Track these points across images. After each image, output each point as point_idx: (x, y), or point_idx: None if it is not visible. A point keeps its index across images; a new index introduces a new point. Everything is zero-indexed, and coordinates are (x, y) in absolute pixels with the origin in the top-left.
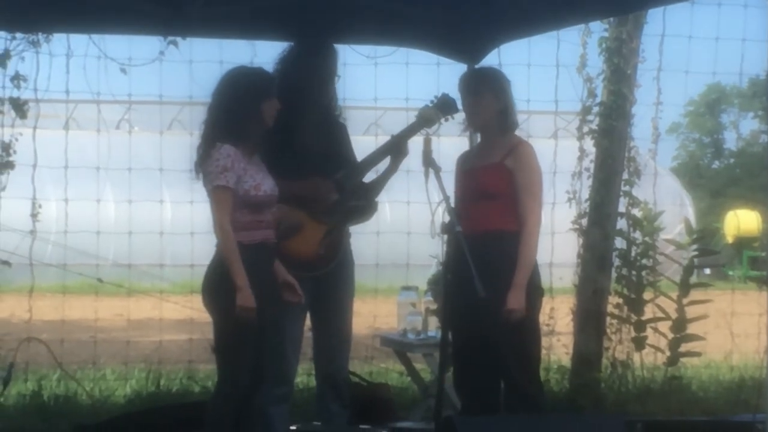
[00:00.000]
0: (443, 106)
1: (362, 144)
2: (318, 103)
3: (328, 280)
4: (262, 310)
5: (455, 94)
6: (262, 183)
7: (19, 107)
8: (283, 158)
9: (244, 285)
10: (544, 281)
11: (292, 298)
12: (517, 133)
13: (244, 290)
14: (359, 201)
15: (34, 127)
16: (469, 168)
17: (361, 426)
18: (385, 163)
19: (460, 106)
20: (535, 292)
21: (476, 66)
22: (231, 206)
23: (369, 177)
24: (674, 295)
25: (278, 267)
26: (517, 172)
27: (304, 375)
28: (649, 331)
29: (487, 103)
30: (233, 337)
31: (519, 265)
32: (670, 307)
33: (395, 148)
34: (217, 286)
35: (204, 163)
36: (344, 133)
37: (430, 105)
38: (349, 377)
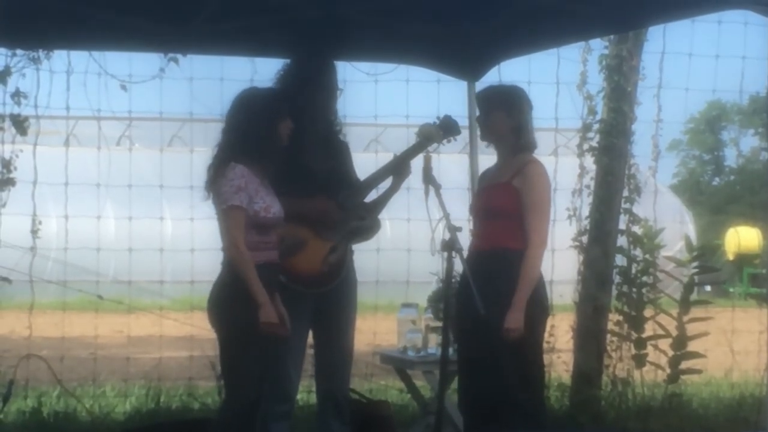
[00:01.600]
0: (445, 128)
1: (362, 161)
2: (320, 120)
3: (331, 298)
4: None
5: (458, 111)
6: (271, 205)
7: (20, 124)
8: (286, 176)
9: (266, 301)
10: None
11: (279, 330)
12: None
13: (267, 306)
14: (363, 220)
15: (35, 144)
16: (483, 186)
17: None
18: (387, 182)
19: (464, 124)
20: (539, 310)
21: (498, 84)
22: (244, 227)
23: (371, 196)
24: (674, 312)
25: (275, 297)
26: (524, 191)
27: (305, 392)
28: (649, 349)
29: (498, 120)
30: (243, 354)
31: (519, 284)
32: (671, 325)
33: (398, 169)
34: (228, 304)
35: (216, 183)
36: (346, 151)
37: (432, 124)
38: (349, 395)
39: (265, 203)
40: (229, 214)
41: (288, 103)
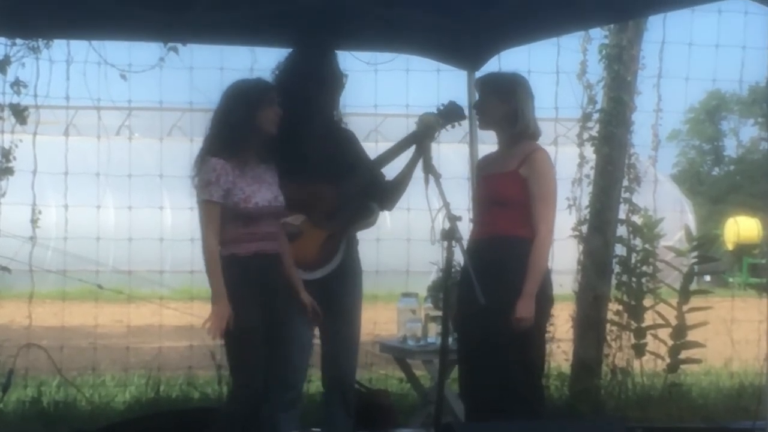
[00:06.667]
0: (449, 113)
1: None
2: (320, 109)
3: (335, 287)
4: (265, 318)
5: (457, 101)
6: (252, 195)
7: (19, 113)
8: (287, 165)
9: (219, 296)
10: None
11: (312, 318)
12: None
13: (218, 302)
14: (362, 208)
15: (34, 133)
16: (485, 174)
17: None
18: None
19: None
20: (545, 301)
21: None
22: (217, 220)
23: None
24: (674, 302)
25: (298, 284)
26: (532, 180)
27: (313, 381)
28: (649, 338)
29: (492, 105)
30: (236, 344)
31: (529, 273)
32: (670, 314)
33: (415, 140)
34: None
35: (195, 177)
36: (350, 137)
37: (434, 112)
38: (355, 385)
39: (245, 194)
40: (201, 209)
41: (272, 91)
